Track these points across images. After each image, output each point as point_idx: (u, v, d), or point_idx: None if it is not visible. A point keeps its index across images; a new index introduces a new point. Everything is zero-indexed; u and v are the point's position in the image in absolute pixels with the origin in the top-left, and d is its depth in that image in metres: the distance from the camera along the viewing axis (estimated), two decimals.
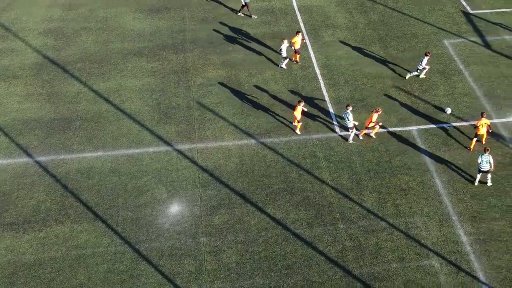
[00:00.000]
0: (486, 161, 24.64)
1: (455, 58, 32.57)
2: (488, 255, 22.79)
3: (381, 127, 28.00)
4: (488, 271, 22.22)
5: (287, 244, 23.17)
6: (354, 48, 33.56)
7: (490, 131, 27.06)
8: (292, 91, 30.43)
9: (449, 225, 23.88)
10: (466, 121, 28.64)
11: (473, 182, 25.48)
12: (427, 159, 26.69)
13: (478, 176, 25.27)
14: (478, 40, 34.03)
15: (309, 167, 26.39)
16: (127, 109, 29.36)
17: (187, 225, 23.87)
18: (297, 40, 31.28)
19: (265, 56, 32.84)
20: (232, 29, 35.17)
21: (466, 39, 34.07)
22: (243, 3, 35.53)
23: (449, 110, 28.65)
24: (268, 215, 24.31)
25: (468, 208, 24.51)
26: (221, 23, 35.73)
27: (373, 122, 27.08)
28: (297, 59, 32.13)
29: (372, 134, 27.68)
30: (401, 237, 23.42)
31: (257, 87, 30.77)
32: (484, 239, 23.32)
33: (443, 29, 34.89)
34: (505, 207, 24.54)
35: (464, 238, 23.37)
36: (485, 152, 24.72)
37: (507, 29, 34.89)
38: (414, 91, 30.43)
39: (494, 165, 25.36)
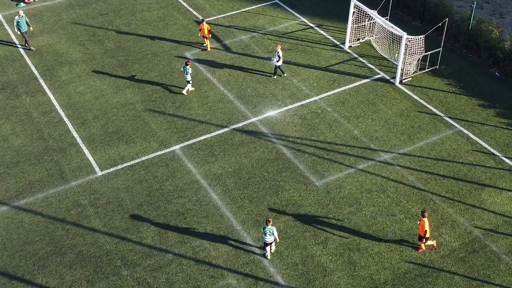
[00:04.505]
0: (270, 233, 21.26)
1: (200, 68, 31.91)
2: (280, 255, 22.06)
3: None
4: (284, 271, 21.46)
5: None
6: (96, 80, 31.28)
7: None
8: (38, 140, 27.23)
9: (236, 236, 22.78)
10: (226, 127, 27.98)
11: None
12: (198, 175, 25.42)
13: (267, 248, 21.84)
14: (218, 45, 33.84)
15: (76, 218, 23.56)
16: None
17: None
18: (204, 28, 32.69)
19: None
20: None
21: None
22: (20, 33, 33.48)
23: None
24: (41, 286, 21.04)
25: (249, 214, 23.65)
26: None
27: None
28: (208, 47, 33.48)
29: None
30: (191, 265, 21.72)
31: None
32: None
33: (181, 42, 34.13)
34: (284, 202, 24.14)
35: (253, 245, 22.40)
36: (267, 224, 21.24)
37: (241, 29, 35.26)
38: (168, 109, 29.08)
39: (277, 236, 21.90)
